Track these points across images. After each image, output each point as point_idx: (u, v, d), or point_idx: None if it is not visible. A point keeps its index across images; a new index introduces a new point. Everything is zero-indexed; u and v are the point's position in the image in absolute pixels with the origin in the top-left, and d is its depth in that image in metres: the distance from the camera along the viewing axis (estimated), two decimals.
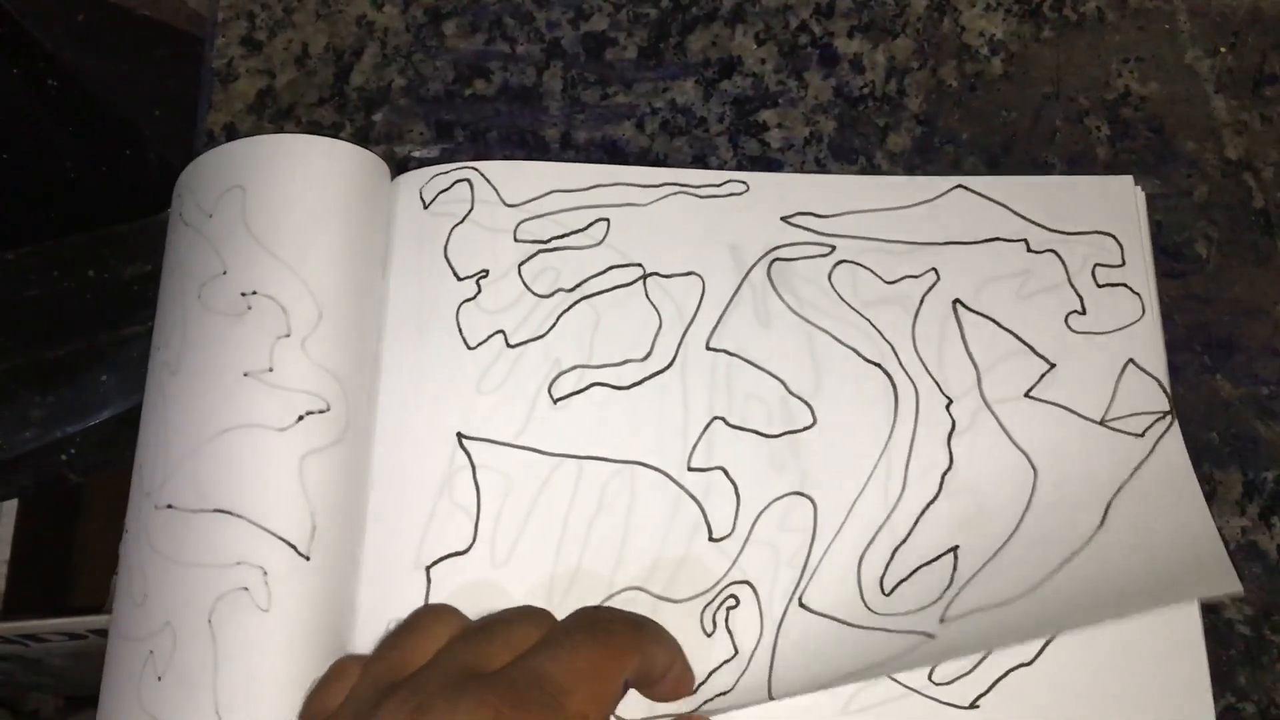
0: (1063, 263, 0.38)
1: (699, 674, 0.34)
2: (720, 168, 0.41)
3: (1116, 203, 0.39)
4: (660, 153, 0.42)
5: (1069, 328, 0.38)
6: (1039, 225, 0.39)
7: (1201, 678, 0.34)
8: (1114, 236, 0.39)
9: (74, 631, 0.68)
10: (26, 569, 0.71)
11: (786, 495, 0.36)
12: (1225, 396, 0.39)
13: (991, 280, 0.38)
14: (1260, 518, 0.37)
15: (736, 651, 0.35)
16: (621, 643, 0.30)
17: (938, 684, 0.34)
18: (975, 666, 0.34)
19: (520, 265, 0.39)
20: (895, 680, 0.34)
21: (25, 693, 0.95)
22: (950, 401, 0.37)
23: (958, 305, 0.38)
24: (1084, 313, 0.38)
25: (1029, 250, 0.38)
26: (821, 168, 0.41)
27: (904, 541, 0.36)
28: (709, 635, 0.35)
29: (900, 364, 0.37)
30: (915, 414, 0.37)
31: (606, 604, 0.35)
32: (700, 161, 0.42)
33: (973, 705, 0.34)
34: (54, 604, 0.72)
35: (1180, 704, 0.34)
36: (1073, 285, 0.38)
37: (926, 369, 0.37)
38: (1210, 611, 0.35)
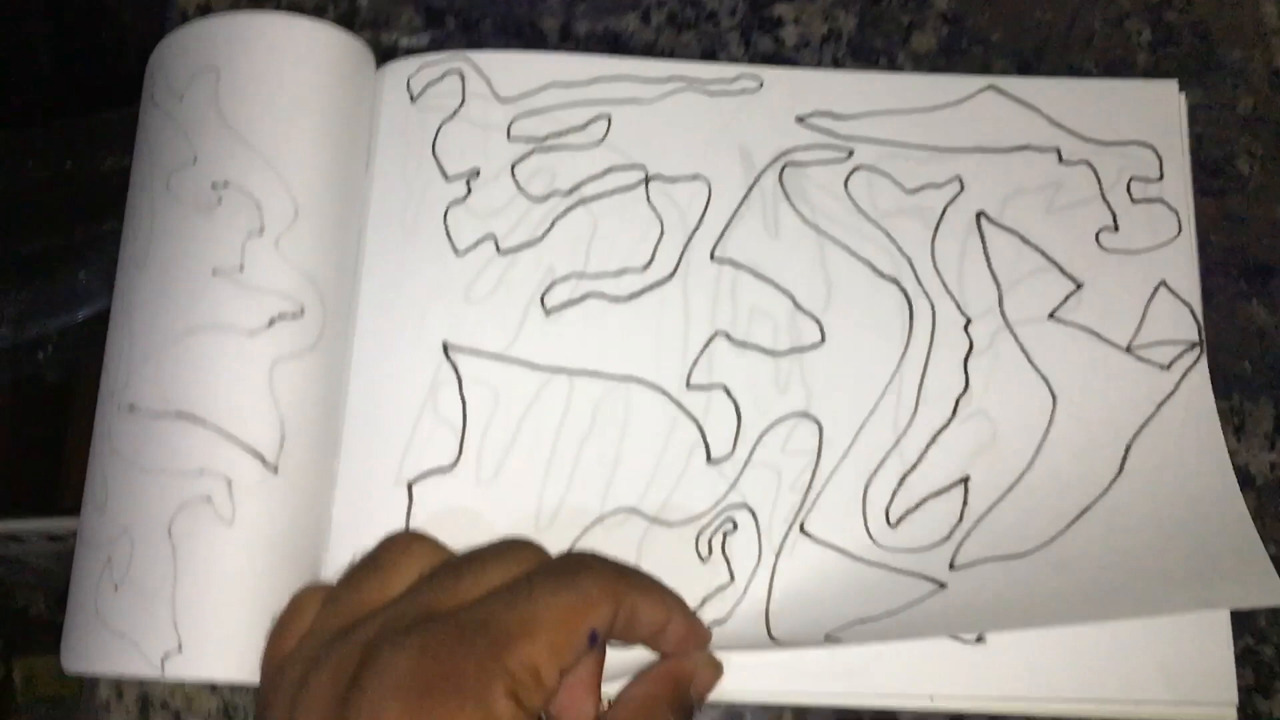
0: (1096, 175, 0.36)
1: (691, 601, 0.32)
2: None
3: (1158, 110, 0.36)
4: (666, 48, 0.39)
5: (1099, 245, 0.35)
6: (1073, 133, 0.36)
7: (1221, 617, 0.32)
8: (1153, 148, 0.36)
9: (53, 533, 0.67)
10: (12, 470, 0.70)
11: (790, 416, 0.34)
12: (1260, 324, 0.36)
13: (1019, 192, 0.36)
14: None
15: (733, 578, 0.33)
16: (590, 592, 0.27)
17: None
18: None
19: (514, 165, 0.36)
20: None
21: (13, 590, 0.95)
22: (969, 321, 0.35)
23: (982, 218, 0.35)
24: (1116, 229, 0.35)
25: (1060, 161, 0.36)
26: (839, 68, 0.39)
27: (913, 468, 0.34)
28: (704, 561, 0.33)
29: (917, 280, 0.35)
30: (931, 333, 0.35)
31: (597, 526, 0.33)
32: (709, 58, 0.39)
33: (979, 639, 0.32)
34: (42, 505, 0.71)
35: (1199, 645, 0.32)
36: (1106, 199, 0.35)
37: (945, 286, 0.35)
38: None
